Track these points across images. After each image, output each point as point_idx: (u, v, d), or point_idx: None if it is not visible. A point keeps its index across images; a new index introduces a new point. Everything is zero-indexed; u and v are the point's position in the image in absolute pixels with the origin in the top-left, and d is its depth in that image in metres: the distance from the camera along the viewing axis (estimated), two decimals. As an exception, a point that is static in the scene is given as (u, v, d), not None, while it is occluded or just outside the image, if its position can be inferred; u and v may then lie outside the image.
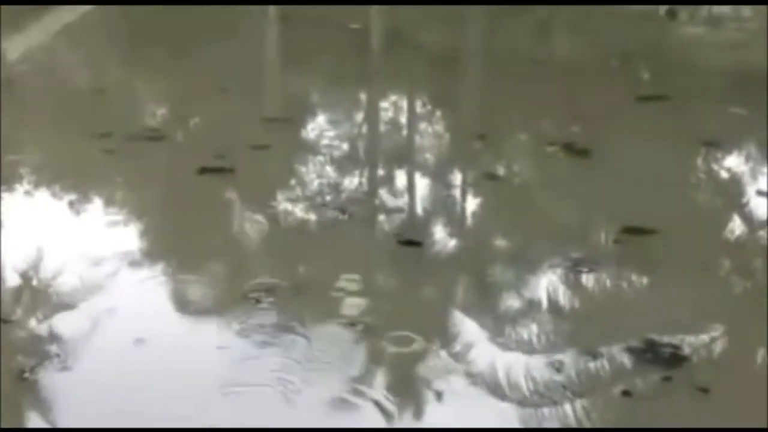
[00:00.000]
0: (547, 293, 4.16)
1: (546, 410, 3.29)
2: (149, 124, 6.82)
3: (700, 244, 4.73)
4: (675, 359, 3.59)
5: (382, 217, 5.12)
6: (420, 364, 3.63)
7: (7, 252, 4.49)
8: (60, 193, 5.52)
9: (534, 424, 3.24)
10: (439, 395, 3.41)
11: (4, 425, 3.19)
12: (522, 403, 3.34)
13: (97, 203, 5.40)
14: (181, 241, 4.82)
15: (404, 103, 7.78)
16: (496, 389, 3.43)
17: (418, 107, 7.75)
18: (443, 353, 3.69)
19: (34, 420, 3.26)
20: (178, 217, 5.15)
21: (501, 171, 5.85)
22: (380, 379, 3.53)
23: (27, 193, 5.51)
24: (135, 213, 5.23)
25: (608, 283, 4.29)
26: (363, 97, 8.03)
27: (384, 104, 7.66)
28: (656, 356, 3.61)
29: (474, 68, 8.71)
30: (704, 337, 3.79)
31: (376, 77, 8.54)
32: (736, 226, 4.95)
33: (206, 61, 8.20)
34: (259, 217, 5.12)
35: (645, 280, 4.35)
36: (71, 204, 5.28)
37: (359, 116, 7.49)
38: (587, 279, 4.27)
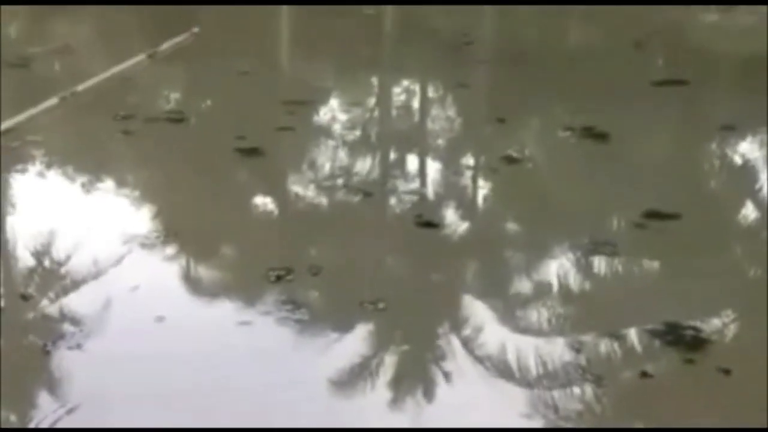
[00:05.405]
0: (570, 276, 4.15)
1: (568, 390, 3.29)
2: (169, 107, 6.86)
3: (722, 229, 4.73)
4: (697, 342, 3.58)
5: (401, 199, 5.10)
6: (437, 344, 3.64)
7: (28, 230, 4.52)
8: (79, 173, 5.51)
9: (557, 404, 3.23)
10: (448, 376, 3.41)
11: (29, 397, 3.21)
12: (537, 384, 3.33)
13: (120, 182, 5.39)
14: (202, 220, 4.82)
15: (417, 88, 7.77)
16: (507, 371, 3.43)
17: (432, 92, 7.73)
18: (463, 334, 3.69)
19: (58, 391, 3.28)
20: (200, 197, 5.14)
21: (520, 154, 5.84)
22: (394, 358, 3.55)
23: (39, 174, 5.50)
24: (157, 192, 5.25)
25: (630, 266, 4.28)
26: (380, 82, 8.03)
27: (400, 89, 7.65)
28: (678, 339, 3.59)
29: (488, 54, 8.69)
30: (726, 320, 3.79)
31: (392, 63, 8.53)
32: (756, 211, 4.94)
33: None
34: (280, 198, 5.13)
35: (667, 263, 4.34)
36: (88, 183, 5.27)
37: (379, 101, 7.47)
38: (609, 262, 4.26)
